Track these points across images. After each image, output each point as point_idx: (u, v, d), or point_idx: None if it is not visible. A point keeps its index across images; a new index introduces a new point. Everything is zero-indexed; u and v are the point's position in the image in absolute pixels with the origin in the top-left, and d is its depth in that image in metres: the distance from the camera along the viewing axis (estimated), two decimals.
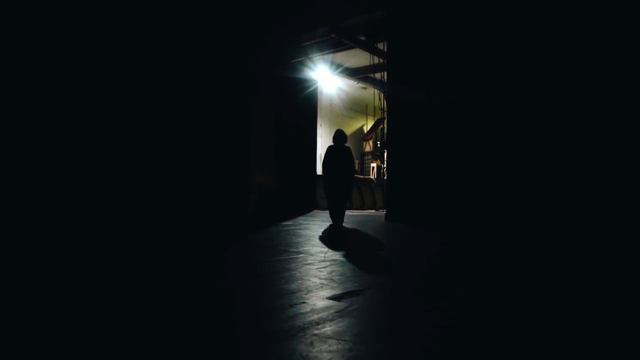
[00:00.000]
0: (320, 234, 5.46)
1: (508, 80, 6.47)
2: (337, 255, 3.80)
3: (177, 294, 2.21)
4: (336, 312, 1.80)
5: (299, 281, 2.50)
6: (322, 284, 2.43)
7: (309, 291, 2.22)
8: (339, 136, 6.55)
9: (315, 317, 1.72)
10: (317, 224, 7.14)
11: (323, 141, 14.82)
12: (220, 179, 8.99)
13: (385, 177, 11.75)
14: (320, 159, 12.96)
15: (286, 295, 2.11)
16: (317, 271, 2.85)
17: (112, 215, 6.74)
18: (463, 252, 4.23)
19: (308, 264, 3.17)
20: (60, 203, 6.19)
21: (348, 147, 6.55)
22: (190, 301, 2.06)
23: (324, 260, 3.32)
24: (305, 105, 11.95)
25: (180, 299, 2.10)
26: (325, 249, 4.01)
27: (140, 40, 7.41)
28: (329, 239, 4.98)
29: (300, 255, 3.61)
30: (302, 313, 1.78)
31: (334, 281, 2.51)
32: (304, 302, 1.97)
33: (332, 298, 2.06)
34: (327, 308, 1.87)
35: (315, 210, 11.29)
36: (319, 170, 12.40)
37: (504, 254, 4.11)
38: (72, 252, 3.84)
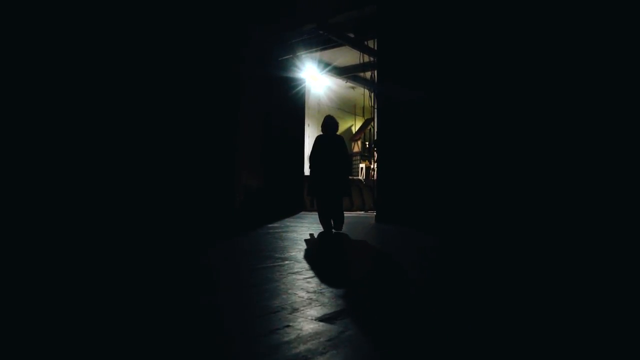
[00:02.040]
0: (307, 237, 5.10)
1: (502, 79, 6.23)
2: (327, 263, 3.47)
3: (147, 306, 1.83)
4: (328, 341, 1.45)
5: (284, 295, 2.15)
6: (311, 299, 2.08)
7: (294, 309, 1.86)
8: (329, 123, 5.56)
9: (301, 348, 1.37)
10: (304, 226, 6.79)
11: (311, 141, 14.44)
12: (206, 179, 8.59)
13: (374, 178, 11.46)
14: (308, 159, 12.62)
15: (267, 316, 1.76)
16: (305, 282, 2.50)
17: (93, 215, 6.30)
18: (463, 257, 3.92)
19: (294, 272, 2.82)
20: (37, 201, 5.73)
21: (341, 137, 5.62)
22: (154, 319, 1.70)
23: (312, 269, 2.97)
24: (292, 104, 11.61)
25: (147, 314, 1.73)
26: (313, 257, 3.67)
27: (122, 39, 6.97)
28: (318, 244, 4.63)
29: (286, 262, 3.26)
30: (285, 342, 1.43)
31: (324, 295, 2.17)
32: (289, 326, 1.61)
33: (323, 319, 1.71)
34: (316, 334, 1.52)
35: (302, 212, 10.93)
36: (307, 170, 12.06)
37: (505, 258, 3.82)
38: (44, 251, 3.41)
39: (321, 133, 5.77)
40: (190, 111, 8.25)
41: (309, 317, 1.73)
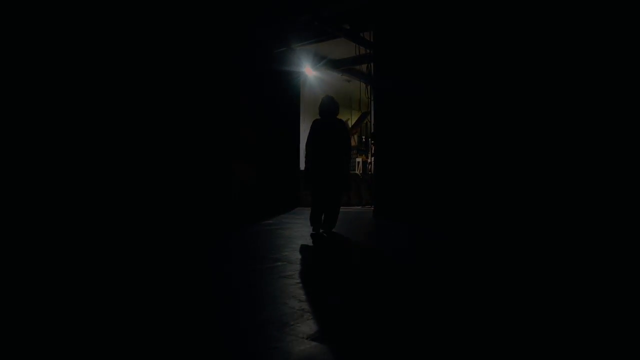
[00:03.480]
0: (302, 234, 4.86)
1: (503, 71, 5.99)
2: (322, 266, 3.25)
3: (112, 320, 1.60)
4: None
5: (272, 305, 1.92)
6: (302, 310, 1.85)
7: (282, 324, 1.63)
8: (328, 105, 4.59)
9: None
10: (300, 222, 6.56)
11: (306, 136, 14.18)
12: (199, 174, 8.33)
13: (371, 172, 11.25)
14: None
15: (251, 333, 1.53)
16: (297, 288, 2.27)
17: (76, 211, 6.05)
18: (466, 258, 3.71)
19: (286, 276, 2.59)
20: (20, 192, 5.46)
21: (342, 121, 4.71)
22: (109, 340, 1.47)
23: (305, 272, 2.75)
24: (287, 98, 11.34)
25: (102, 334, 1.50)
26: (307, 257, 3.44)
27: (113, 33, 6.67)
28: (313, 244, 4.40)
29: (278, 263, 3.03)
30: None
31: (317, 305, 1.94)
32: (275, 347, 1.38)
33: (315, 338, 1.48)
34: (306, 359, 1.29)
35: (298, 208, 10.70)
36: (303, 165, 11.82)
37: (513, 258, 3.61)
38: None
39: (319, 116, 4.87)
40: (182, 105, 7.97)
41: (300, 335, 1.51)
